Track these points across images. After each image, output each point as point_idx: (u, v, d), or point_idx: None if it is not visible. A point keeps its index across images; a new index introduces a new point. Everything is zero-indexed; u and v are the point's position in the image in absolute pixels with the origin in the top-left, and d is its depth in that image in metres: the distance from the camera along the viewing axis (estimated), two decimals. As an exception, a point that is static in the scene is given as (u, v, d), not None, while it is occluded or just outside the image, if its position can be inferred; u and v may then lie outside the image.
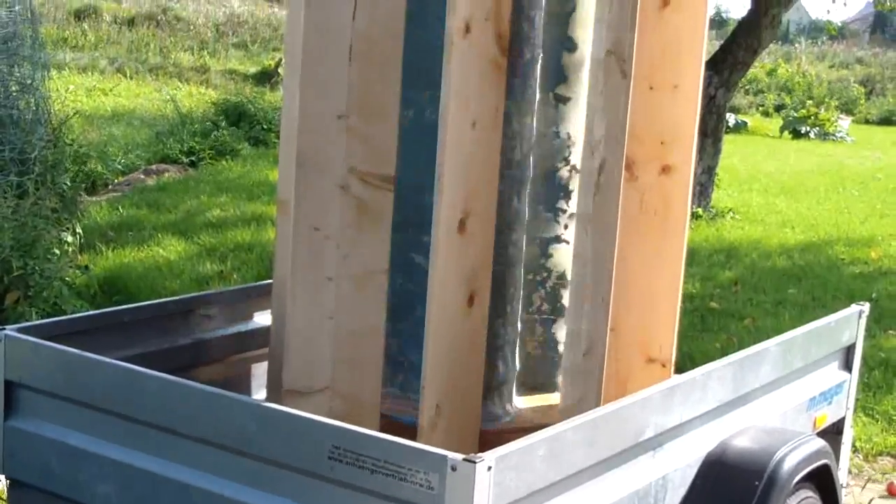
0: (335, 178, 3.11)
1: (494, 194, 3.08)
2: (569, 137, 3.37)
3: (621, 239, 3.09)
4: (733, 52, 10.11)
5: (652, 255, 3.31)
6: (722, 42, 10.85)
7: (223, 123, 13.71)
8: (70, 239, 7.03)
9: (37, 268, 6.06)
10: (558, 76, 3.33)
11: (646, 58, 3.19)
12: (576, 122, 3.35)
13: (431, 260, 2.94)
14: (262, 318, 3.68)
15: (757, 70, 28.48)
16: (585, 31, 3.30)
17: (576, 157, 3.36)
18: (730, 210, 11.07)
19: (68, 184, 7.36)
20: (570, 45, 3.32)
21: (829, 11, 18.77)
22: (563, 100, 3.33)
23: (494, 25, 2.98)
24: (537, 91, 3.26)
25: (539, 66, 3.25)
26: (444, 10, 2.85)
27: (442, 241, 2.92)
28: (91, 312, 3.71)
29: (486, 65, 2.98)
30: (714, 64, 9.94)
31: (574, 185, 3.36)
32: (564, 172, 3.37)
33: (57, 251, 6.53)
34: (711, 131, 10.21)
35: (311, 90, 3.05)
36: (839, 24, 15.56)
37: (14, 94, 6.98)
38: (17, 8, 7.27)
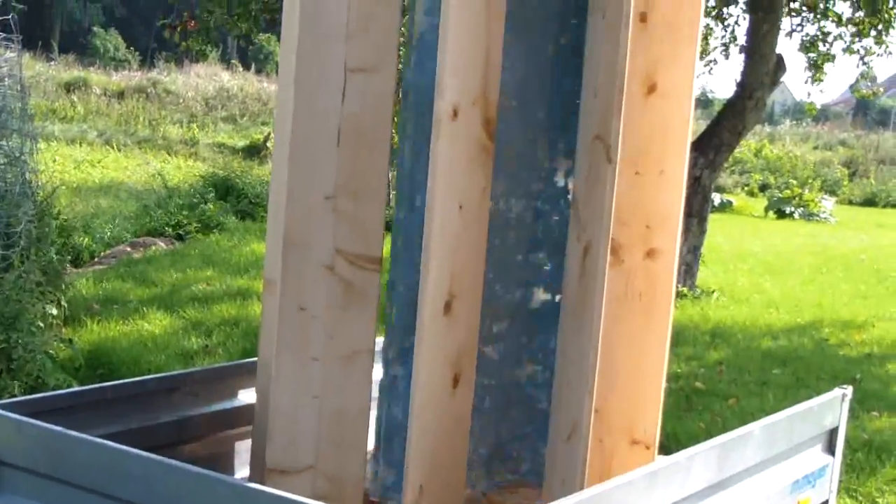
0: (322, 258, 3.13)
1: (480, 276, 3.10)
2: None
3: (606, 322, 3.11)
4: (719, 134, 10.21)
5: (637, 338, 3.32)
6: (707, 122, 10.96)
7: (211, 197, 13.76)
8: (54, 312, 7.01)
9: (20, 341, 6.04)
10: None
11: (632, 143, 3.22)
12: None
13: (417, 341, 2.95)
14: (247, 396, 3.66)
15: (743, 150, 28.77)
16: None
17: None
18: (715, 290, 11.11)
19: (54, 256, 7.35)
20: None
21: (808, 94, 19.11)
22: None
23: (482, 110, 3.02)
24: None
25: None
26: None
27: (427, 322, 2.93)
28: (74, 389, 3.70)
29: (473, 148, 3.02)
30: (700, 145, 10.04)
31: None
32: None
33: (41, 324, 6.51)
34: (697, 211, 10.27)
35: (299, 172, 3.08)
36: (819, 106, 15.75)
37: (1, 166, 6.99)
38: (6, 81, 7.31)
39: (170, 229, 12.29)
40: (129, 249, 11.24)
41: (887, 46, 11.87)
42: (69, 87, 26.77)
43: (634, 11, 3.07)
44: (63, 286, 7.71)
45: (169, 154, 21.47)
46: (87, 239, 10.84)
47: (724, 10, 11.05)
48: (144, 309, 8.52)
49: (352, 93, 3.10)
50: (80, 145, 21.17)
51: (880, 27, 11.70)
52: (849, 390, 3.78)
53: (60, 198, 10.04)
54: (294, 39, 3.11)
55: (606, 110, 3.07)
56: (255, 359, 3.36)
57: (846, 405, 3.77)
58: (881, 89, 18.15)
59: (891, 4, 11.44)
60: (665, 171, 3.38)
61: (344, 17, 3.07)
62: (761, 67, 9.88)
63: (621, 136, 3.06)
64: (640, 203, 3.34)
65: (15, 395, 5.56)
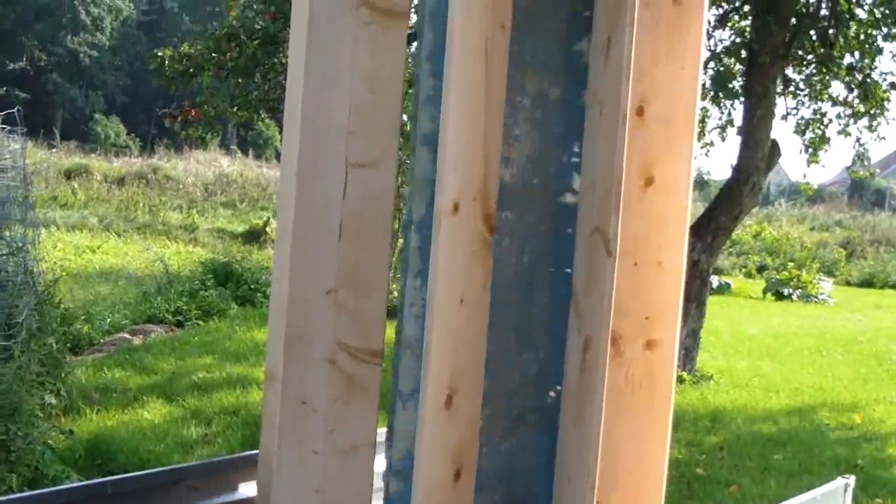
0: (323, 351, 3.15)
1: (481, 370, 3.11)
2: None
3: (607, 414, 3.11)
4: (716, 219, 10.28)
5: (638, 431, 3.32)
6: (704, 203, 11.01)
7: (211, 283, 13.80)
8: (54, 401, 7.00)
9: (19, 433, 6.03)
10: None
11: (630, 235, 3.25)
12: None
13: (418, 435, 2.95)
14: (248, 489, 3.66)
15: (741, 232, 28.89)
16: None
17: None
18: (715, 374, 11.10)
19: (54, 346, 7.36)
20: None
21: (805, 176, 19.24)
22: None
23: (482, 205, 3.05)
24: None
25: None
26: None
27: (429, 416, 2.93)
28: (73, 485, 3.70)
29: (473, 243, 3.04)
30: (697, 230, 10.09)
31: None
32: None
33: (40, 414, 6.50)
34: (695, 296, 10.30)
35: (300, 266, 3.10)
36: (816, 187, 15.83)
37: (2, 257, 7.03)
38: (9, 172, 7.38)
39: (169, 316, 12.30)
40: (128, 336, 11.24)
41: (879, 133, 11.98)
42: (70, 174, 26.96)
43: (631, 106, 3.12)
44: (63, 375, 7.71)
45: (169, 239, 21.56)
46: (87, 326, 10.84)
47: (720, 94, 11.16)
48: (144, 397, 8.51)
49: (353, 187, 3.14)
50: (81, 231, 21.27)
51: (873, 111, 11.83)
52: (851, 480, 3.77)
53: (61, 285, 10.07)
54: (296, 134, 3.15)
55: (605, 203, 3.10)
56: (256, 451, 3.36)
57: (849, 495, 3.76)
58: (877, 170, 18.28)
59: (883, 88, 11.58)
60: (663, 263, 3.40)
61: (345, 112, 3.12)
62: (756, 152, 9.97)
63: (620, 229, 3.09)
64: (639, 294, 3.36)
65: (13, 488, 5.54)
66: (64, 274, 11.36)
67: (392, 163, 3.19)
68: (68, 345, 9.47)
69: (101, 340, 10.97)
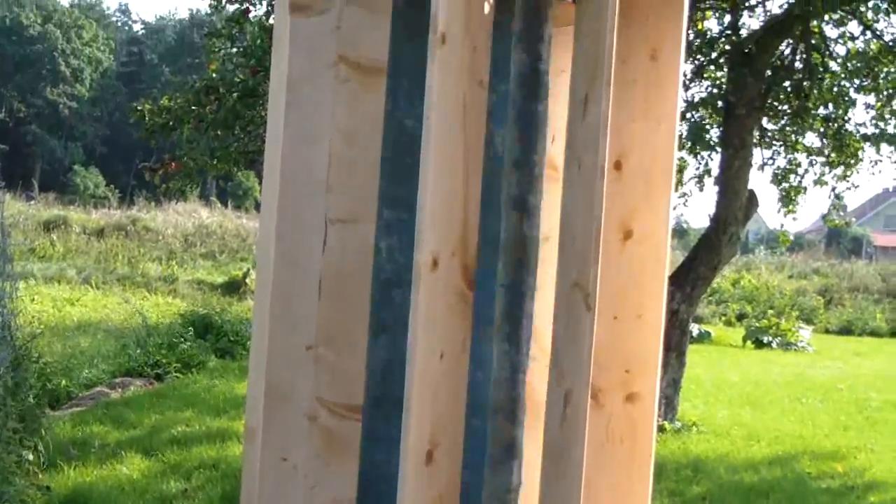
0: (303, 408, 3.14)
1: (461, 425, 3.11)
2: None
3: (588, 468, 3.11)
4: (695, 269, 10.32)
5: (619, 484, 3.32)
6: (683, 252, 11.07)
7: (190, 335, 13.75)
8: (31, 458, 6.95)
9: (-4, 490, 5.98)
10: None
11: (609, 288, 3.27)
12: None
13: (399, 491, 2.94)
14: (227, 547, 3.64)
15: (720, 281, 28.99)
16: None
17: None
18: (696, 422, 11.09)
19: (32, 402, 7.31)
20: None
21: (782, 225, 19.41)
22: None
23: (461, 259, 3.06)
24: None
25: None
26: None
27: (410, 472, 2.93)
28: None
29: (452, 297, 3.05)
30: (677, 280, 10.13)
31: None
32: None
33: (17, 471, 6.44)
34: (675, 345, 10.32)
35: (280, 323, 3.10)
36: (793, 236, 15.91)
37: (-19, 311, 7.01)
38: (-13, 227, 7.37)
39: (149, 369, 12.23)
40: (107, 390, 11.16)
41: (853, 182, 12.09)
42: (49, 226, 26.90)
43: (609, 160, 3.15)
44: (41, 431, 7.65)
45: (148, 291, 21.50)
46: (65, 381, 10.78)
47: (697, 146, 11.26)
48: (122, 452, 8.44)
49: (332, 243, 3.15)
50: (60, 284, 21.19)
51: (847, 161, 11.93)
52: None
53: (39, 339, 10.01)
54: (275, 191, 3.16)
55: (584, 258, 3.12)
56: (236, 508, 3.35)
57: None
58: (852, 219, 18.41)
59: (857, 138, 11.68)
60: (643, 316, 3.42)
61: (324, 168, 3.13)
62: (734, 203, 10.04)
63: (599, 282, 3.10)
64: (619, 348, 3.38)
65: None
66: (42, 327, 11.31)
67: (371, 218, 3.20)
68: (46, 399, 9.41)
69: (80, 394, 10.89)
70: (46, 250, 24.84)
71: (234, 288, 22.52)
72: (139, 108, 11.26)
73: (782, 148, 12.41)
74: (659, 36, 3.45)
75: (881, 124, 11.47)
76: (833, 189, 12.69)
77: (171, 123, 10.80)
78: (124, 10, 76.25)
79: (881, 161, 11.75)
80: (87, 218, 28.84)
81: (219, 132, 10.56)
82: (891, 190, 65.73)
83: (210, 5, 11.26)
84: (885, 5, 10.07)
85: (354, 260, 3.19)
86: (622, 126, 3.37)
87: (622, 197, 3.38)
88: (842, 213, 14.49)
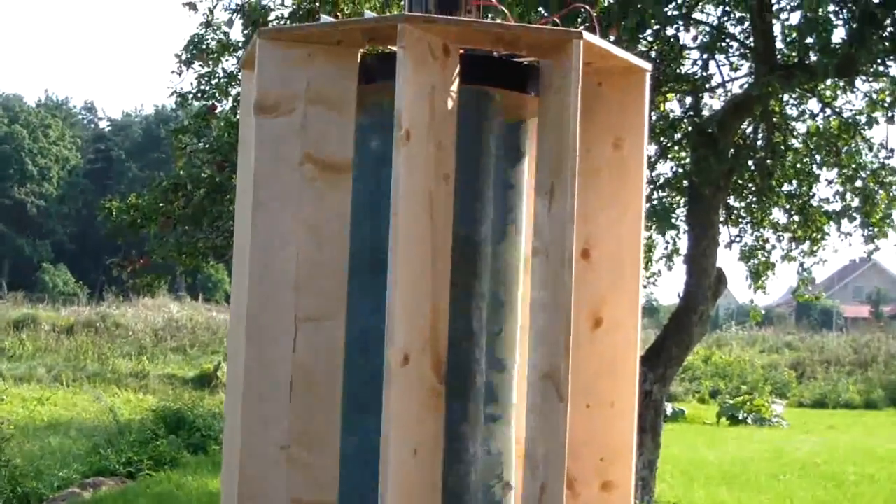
0: (278, 509, 3.11)
1: (437, 521, 3.08)
2: (500, 454, 3.39)
3: (566, 560, 3.08)
4: (666, 349, 10.33)
5: (598, 575, 3.29)
6: (654, 329, 11.06)
7: (162, 431, 13.62)
8: (2, 565, 6.82)
9: None
10: (490, 395, 3.38)
11: (581, 377, 3.27)
12: (505, 440, 3.39)
13: (377, 591, 2.90)
14: None
15: (692, 357, 29.01)
16: (513, 352, 3.39)
17: (507, 473, 3.39)
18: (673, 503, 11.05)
19: (2, 506, 7.20)
20: (499, 366, 3.39)
21: (752, 301, 19.34)
22: (494, 418, 3.38)
23: (432, 354, 3.06)
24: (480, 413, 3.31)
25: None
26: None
27: (387, 571, 2.89)
28: None
29: (424, 392, 3.04)
30: (649, 360, 10.13)
31: (510, 502, 3.37)
32: (497, 489, 3.38)
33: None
34: (650, 426, 10.29)
35: (252, 423, 3.08)
36: (763, 311, 15.92)
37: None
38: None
39: (121, 467, 12.10)
40: (78, 491, 11.02)
41: (819, 257, 12.17)
42: (18, 325, 26.71)
43: (577, 249, 3.16)
44: (11, 536, 7.52)
45: (119, 388, 21.32)
46: (36, 483, 10.63)
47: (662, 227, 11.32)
48: (95, 556, 8.31)
49: (303, 342, 3.14)
50: (29, 383, 21.00)
51: (814, 236, 12.01)
52: None
53: (10, 441, 9.89)
54: (244, 291, 3.15)
55: (555, 349, 3.12)
56: None
57: None
58: (822, 292, 18.53)
59: (822, 212, 11.77)
60: (616, 404, 3.42)
61: (293, 268, 3.13)
62: (703, 282, 10.09)
63: (570, 372, 3.10)
64: (593, 437, 3.37)
65: None
66: (12, 429, 11.16)
67: (341, 316, 3.20)
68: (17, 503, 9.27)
69: (51, 496, 10.74)
70: (16, 349, 24.64)
71: (205, 381, 22.38)
72: (107, 205, 11.25)
73: (749, 225, 12.49)
74: (622, 124, 3.49)
75: (846, 198, 11.59)
76: (801, 264, 12.76)
77: (138, 221, 10.80)
78: (90, 108, 76.40)
79: (851, 234, 11.83)
80: (56, 316, 28.67)
81: (187, 228, 10.56)
82: (857, 261, 66.26)
83: (176, 101, 11.32)
84: (842, 83, 10.23)
85: (325, 358, 3.17)
86: (588, 215, 3.40)
87: (591, 285, 3.39)
88: (811, 288, 14.55)
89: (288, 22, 10.65)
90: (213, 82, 11.18)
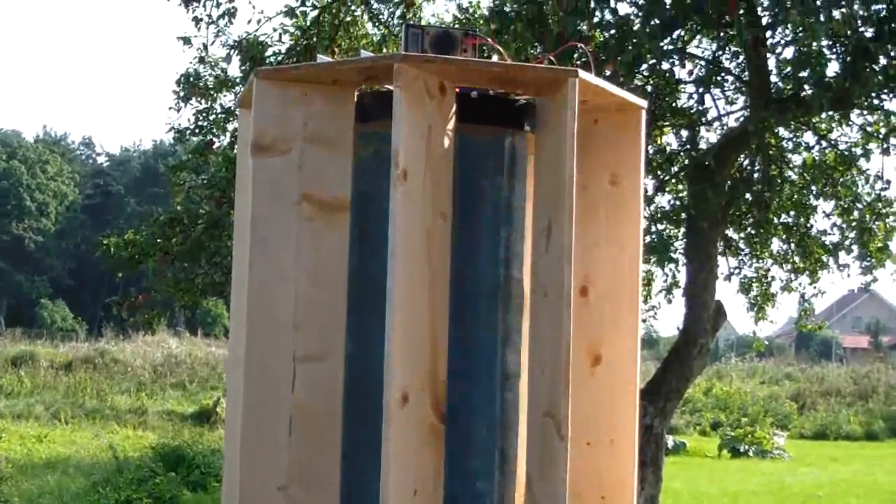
0: (277, 550, 3.09)
1: (438, 562, 3.07)
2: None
3: None
4: (666, 382, 10.29)
5: None
6: (654, 362, 11.04)
7: (161, 469, 13.56)
8: None
9: None
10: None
11: (581, 415, 3.26)
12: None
13: None
14: None
15: (693, 390, 28.94)
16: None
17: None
18: (675, 538, 11.00)
19: (-1, 547, 7.16)
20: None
21: (754, 333, 19.20)
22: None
23: (431, 392, 3.05)
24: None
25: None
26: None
27: None
28: None
29: (424, 432, 3.03)
30: (649, 394, 10.09)
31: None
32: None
33: None
34: (651, 461, 10.24)
35: (251, 462, 3.07)
36: (766, 342, 15.90)
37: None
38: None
39: (119, 507, 12.04)
40: (77, 530, 10.97)
41: (818, 288, 12.16)
42: (16, 362, 26.65)
43: (575, 286, 3.15)
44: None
45: (118, 424, 21.25)
46: (33, 523, 10.59)
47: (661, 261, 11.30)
48: None
49: (301, 382, 3.13)
50: (27, 420, 20.94)
51: (812, 267, 12.01)
52: None
53: (8, 481, 9.85)
54: (242, 331, 3.15)
55: (554, 387, 3.11)
56: None
57: None
58: (825, 321, 18.54)
59: (822, 240, 11.77)
60: (616, 441, 3.41)
61: (291, 307, 3.13)
62: (702, 315, 10.07)
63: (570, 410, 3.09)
64: (593, 474, 3.36)
65: None
66: (10, 467, 11.11)
67: (339, 355, 3.19)
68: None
69: (49, 536, 10.71)
70: (14, 386, 24.57)
71: (204, 417, 22.31)
72: (105, 241, 11.26)
73: (748, 256, 12.49)
74: (619, 161, 3.49)
75: (843, 230, 11.59)
76: (802, 295, 12.75)
77: (136, 256, 10.81)
78: (88, 143, 76.53)
79: (848, 266, 11.82)
80: (54, 352, 28.61)
81: (185, 264, 10.57)
82: (856, 291, 66.23)
83: (174, 137, 11.36)
84: (837, 116, 10.27)
85: (324, 397, 3.17)
86: (586, 251, 3.40)
87: (589, 322, 3.39)
88: (812, 318, 14.55)
89: (285, 58, 10.70)
90: (211, 118, 11.22)
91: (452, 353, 3.16)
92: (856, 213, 11.21)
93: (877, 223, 11.15)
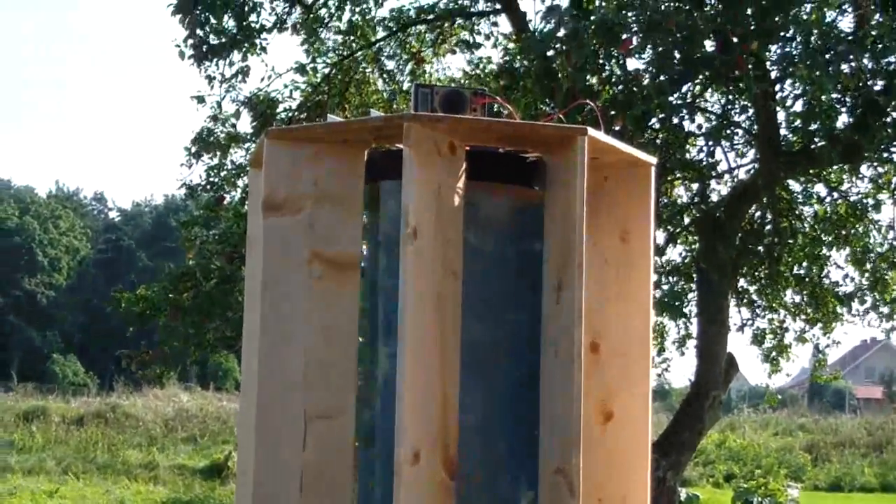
0: None
1: None
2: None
3: None
4: (679, 435, 10.27)
5: None
6: (666, 413, 10.98)
7: (172, 526, 13.52)
8: None
9: None
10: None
11: (592, 472, 3.25)
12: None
13: None
14: None
15: (705, 441, 28.76)
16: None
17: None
18: (690, 593, 10.89)
19: None
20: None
21: (767, 386, 18.94)
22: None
23: (441, 451, 3.05)
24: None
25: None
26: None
27: None
28: None
29: (434, 489, 3.03)
30: (662, 447, 10.06)
31: None
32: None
33: None
34: (664, 514, 10.20)
35: (263, 522, 3.07)
36: (779, 396, 15.77)
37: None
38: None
39: (130, 562, 11.98)
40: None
41: (832, 339, 12.13)
42: (28, 416, 26.63)
43: (585, 343, 3.15)
44: None
45: (129, 479, 21.16)
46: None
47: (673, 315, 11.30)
48: None
49: (312, 440, 3.13)
50: (39, 475, 20.87)
51: (825, 319, 11.98)
52: None
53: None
54: (253, 390, 3.16)
55: (566, 444, 3.11)
56: None
57: None
58: (839, 371, 18.46)
59: (835, 290, 11.75)
60: (628, 498, 3.40)
61: (301, 366, 3.14)
62: (714, 368, 10.06)
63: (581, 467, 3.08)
64: (606, 532, 3.34)
65: None
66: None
67: (351, 413, 3.19)
68: None
69: None
70: (26, 441, 24.53)
71: (216, 471, 22.20)
72: (117, 296, 11.29)
73: (761, 308, 12.47)
74: (628, 217, 3.51)
75: (857, 280, 11.59)
76: (816, 346, 12.71)
77: (148, 311, 10.83)
78: (100, 199, 76.85)
79: (867, 314, 11.79)
80: (66, 407, 28.57)
81: (196, 319, 10.59)
82: (869, 341, 65.94)
83: (185, 194, 11.42)
84: (847, 168, 10.29)
85: (335, 455, 3.17)
86: (596, 308, 3.40)
87: (601, 379, 3.38)
88: (827, 369, 14.50)
89: (296, 114, 10.77)
90: (222, 174, 11.28)
91: (465, 409, 3.16)
92: (868, 264, 11.21)
93: (890, 273, 11.14)
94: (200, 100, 10.90)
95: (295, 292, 3.12)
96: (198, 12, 10.37)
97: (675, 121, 9.18)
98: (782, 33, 8.10)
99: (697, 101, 9.81)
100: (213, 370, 44.37)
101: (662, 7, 8.12)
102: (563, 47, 8.28)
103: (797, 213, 11.32)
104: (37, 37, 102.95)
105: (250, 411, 3.17)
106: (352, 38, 11.95)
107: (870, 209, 10.86)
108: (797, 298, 12.21)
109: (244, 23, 10.73)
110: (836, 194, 11.10)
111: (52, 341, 57.45)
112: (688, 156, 10.24)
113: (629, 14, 8.18)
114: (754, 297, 12.31)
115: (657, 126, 9.30)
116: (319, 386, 3.16)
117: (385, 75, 12.21)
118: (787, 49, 8.49)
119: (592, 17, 8.47)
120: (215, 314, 10.50)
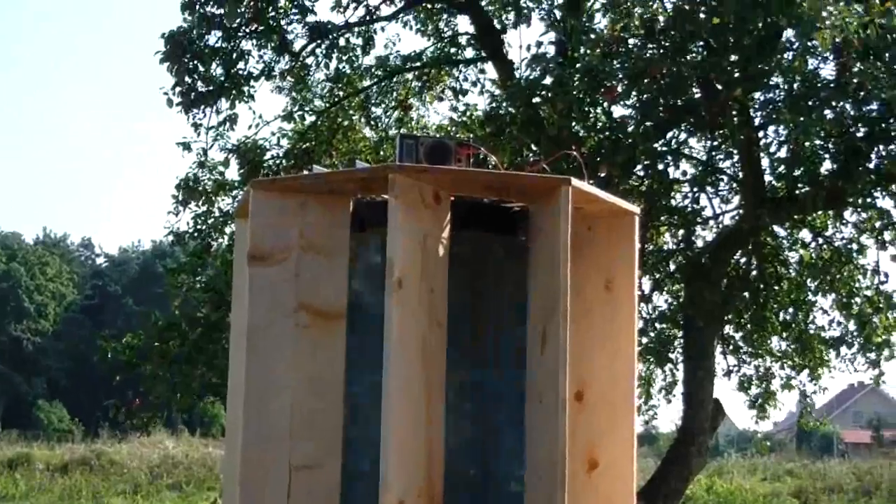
0: None
1: None
2: None
3: None
4: (666, 481, 10.23)
5: None
6: (653, 458, 10.94)
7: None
8: None
9: None
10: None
11: (578, 520, 3.25)
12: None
13: None
14: None
15: (695, 487, 28.65)
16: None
17: None
18: None
19: None
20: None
21: (756, 433, 18.89)
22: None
23: (426, 499, 3.05)
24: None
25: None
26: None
27: None
28: None
29: (420, 539, 3.02)
30: (648, 494, 10.01)
31: None
32: None
33: None
34: (654, 559, 10.13)
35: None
36: (769, 442, 15.76)
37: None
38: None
39: None
40: None
41: (819, 385, 12.10)
42: (12, 464, 26.43)
43: (570, 392, 3.16)
44: None
45: (113, 529, 21.02)
46: None
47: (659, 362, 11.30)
48: None
49: (297, 490, 3.13)
50: (21, 525, 20.72)
51: (812, 364, 11.96)
52: None
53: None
54: (238, 439, 3.15)
55: (551, 492, 3.11)
56: None
57: None
58: (827, 419, 18.42)
59: (822, 335, 11.73)
60: (614, 546, 3.39)
61: (287, 417, 3.13)
62: (700, 414, 10.03)
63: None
64: (592, 581, 3.33)
65: None
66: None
67: (336, 463, 3.19)
68: None
69: None
70: (9, 489, 24.33)
71: (201, 520, 22.05)
72: (103, 344, 11.24)
73: (747, 355, 12.45)
74: (612, 266, 3.52)
75: (843, 325, 11.57)
76: (802, 392, 12.68)
77: (134, 360, 10.79)
78: (87, 245, 76.60)
79: (854, 359, 11.77)
80: (50, 454, 28.37)
81: (182, 367, 10.54)
82: (857, 385, 65.86)
83: (171, 241, 11.40)
84: (831, 213, 10.32)
85: (322, 497, 3.16)
86: (581, 356, 3.40)
87: (585, 428, 3.39)
88: (813, 414, 14.48)
89: (283, 161, 10.79)
90: (209, 221, 11.27)
91: (451, 457, 3.16)
92: (855, 308, 11.21)
93: (877, 317, 11.14)
94: (186, 146, 10.91)
95: (280, 342, 3.12)
96: (186, 60, 10.41)
97: (661, 167, 9.21)
98: (766, 80, 8.16)
99: (682, 147, 9.85)
100: (199, 416, 44.12)
101: (647, 55, 8.19)
102: (549, 94, 8.34)
103: (782, 258, 11.33)
104: (26, 80, 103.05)
105: (235, 461, 3.17)
106: (339, 85, 12.00)
107: (854, 254, 10.87)
108: (783, 345, 12.20)
109: (232, 70, 10.77)
110: (820, 239, 11.12)
111: (38, 387, 57.11)
112: (673, 202, 10.26)
113: (614, 62, 8.24)
114: (740, 343, 12.29)
115: (642, 173, 9.33)
116: (305, 436, 3.15)
117: (372, 122, 12.25)
118: (771, 95, 8.56)
119: (578, 65, 8.53)
120: (201, 361, 10.45)
